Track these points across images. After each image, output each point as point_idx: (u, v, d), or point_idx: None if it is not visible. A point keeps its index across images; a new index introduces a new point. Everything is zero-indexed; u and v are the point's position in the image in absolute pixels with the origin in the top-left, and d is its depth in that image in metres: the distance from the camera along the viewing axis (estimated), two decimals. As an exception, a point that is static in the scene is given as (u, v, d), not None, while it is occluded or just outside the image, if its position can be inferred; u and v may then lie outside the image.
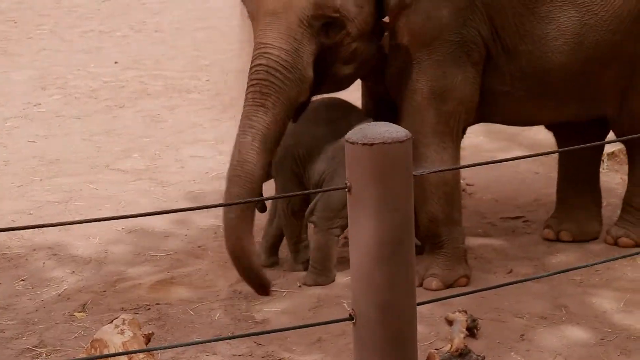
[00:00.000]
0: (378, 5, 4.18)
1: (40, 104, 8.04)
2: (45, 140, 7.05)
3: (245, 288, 4.59)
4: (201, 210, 5.57)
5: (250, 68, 4.13)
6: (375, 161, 2.02)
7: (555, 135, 5.10)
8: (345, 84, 4.43)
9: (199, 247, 5.10)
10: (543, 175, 5.96)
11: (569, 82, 4.47)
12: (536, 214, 5.40)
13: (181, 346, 3.90)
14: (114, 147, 6.85)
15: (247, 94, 4.15)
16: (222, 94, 8.30)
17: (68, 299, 4.51)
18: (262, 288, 4.29)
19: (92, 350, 3.69)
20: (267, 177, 4.42)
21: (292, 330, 4.12)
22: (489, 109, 4.51)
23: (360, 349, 2.14)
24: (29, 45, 10.55)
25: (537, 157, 6.33)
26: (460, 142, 4.49)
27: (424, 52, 4.29)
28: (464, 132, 4.57)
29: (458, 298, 3.29)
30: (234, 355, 3.98)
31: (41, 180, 6.17)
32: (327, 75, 4.25)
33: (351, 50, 4.19)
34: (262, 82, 4.07)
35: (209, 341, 4.08)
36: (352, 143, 2.04)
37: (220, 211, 5.48)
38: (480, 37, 4.33)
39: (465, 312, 3.97)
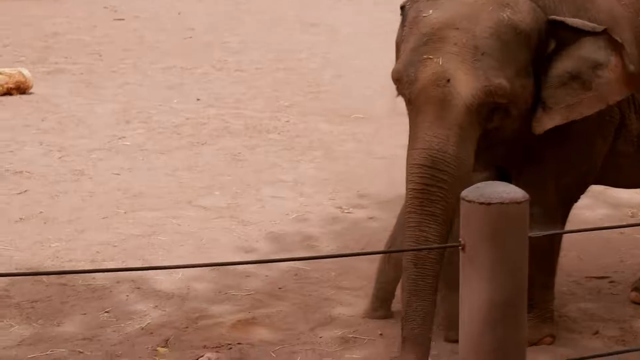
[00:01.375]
0: (536, 80, 3.99)
1: (124, 137, 8.17)
2: (130, 173, 7.16)
3: (327, 333, 4.60)
4: (282, 251, 5.62)
5: (412, 166, 3.84)
6: (492, 221, 2.02)
7: None
8: (494, 163, 4.32)
9: (280, 288, 5.12)
10: (628, 236, 5.86)
11: None
12: (622, 275, 5.32)
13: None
14: (196, 183, 6.93)
15: (411, 198, 3.84)
16: (301, 136, 8.35)
17: (151, 333, 4.56)
18: None
19: (178, 387, 3.73)
20: None
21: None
22: (606, 172, 4.43)
23: (465, 411, 2.12)
24: (112, 79, 10.75)
25: (622, 218, 6.24)
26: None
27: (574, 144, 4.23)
28: None
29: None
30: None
31: (125, 213, 6.26)
32: (481, 159, 4.02)
33: (510, 131, 3.99)
34: (429, 189, 3.78)
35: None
36: (469, 201, 2.04)
37: (301, 254, 5.53)
38: (618, 108, 4.24)
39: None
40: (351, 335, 4.59)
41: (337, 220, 6.19)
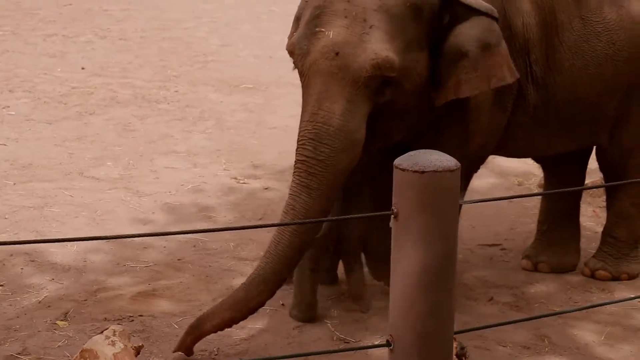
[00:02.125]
0: (432, 56, 3.99)
1: (8, 106, 7.93)
2: (17, 143, 6.95)
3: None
4: (179, 222, 5.57)
5: (299, 138, 3.86)
6: (425, 189, 2.04)
7: (544, 166, 5.19)
8: (394, 137, 4.18)
9: (179, 259, 5.07)
10: (518, 204, 6.03)
11: (584, 113, 4.55)
12: (513, 242, 5.47)
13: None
14: (86, 154, 6.79)
15: (294, 168, 3.89)
16: (191, 106, 8.27)
17: (49, 306, 4.46)
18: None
19: (82, 360, 3.66)
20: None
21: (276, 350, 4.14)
22: (504, 142, 4.52)
23: (396, 375, 2.15)
24: (-9, 46, 10.41)
25: (509, 187, 6.42)
26: None
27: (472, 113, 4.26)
28: None
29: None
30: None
31: (14, 184, 6.08)
32: (379, 132, 4.02)
33: (404, 105, 3.97)
34: (309, 161, 3.81)
35: None
36: (402, 170, 2.05)
37: (199, 225, 5.49)
38: (517, 80, 4.26)
39: (455, 339, 3.99)
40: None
41: (233, 191, 6.17)
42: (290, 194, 3.90)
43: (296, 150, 3.88)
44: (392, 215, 2.08)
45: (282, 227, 3.92)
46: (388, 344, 2.14)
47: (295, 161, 3.89)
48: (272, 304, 4.58)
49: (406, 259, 2.08)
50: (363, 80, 3.77)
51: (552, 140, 4.64)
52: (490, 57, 4.02)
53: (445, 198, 2.06)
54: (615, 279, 4.90)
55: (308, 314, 4.42)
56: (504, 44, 4.05)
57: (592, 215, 5.92)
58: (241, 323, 4.38)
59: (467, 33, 3.98)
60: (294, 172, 3.89)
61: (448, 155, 2.09)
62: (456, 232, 2.10)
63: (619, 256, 4.92)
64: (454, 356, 3.86)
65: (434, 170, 2.03)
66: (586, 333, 4.39)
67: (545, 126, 4.50)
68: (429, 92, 4.04)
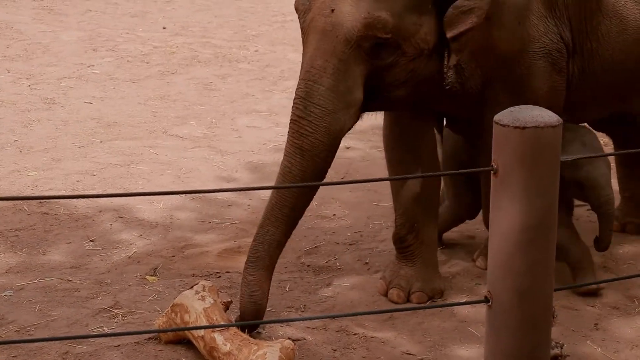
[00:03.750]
0: (440, 20, 3.77)
1: (93, 65, 8.06)
2: (102, 102, 7.07)
3: (314, 261, 4.63)
4: (262, 180, 5.61)
5: (295, 96, 3.77)
6: (526, 145, 2.02)
7: (610, 134, 5.10)
8: (400, 105, 4.02)
9: (263, 217, 5.11)
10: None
11: (619, 79, 4.36)
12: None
13: (273, 322, 3.90)
14: (170, 112, 6.87)
15: (289, 128, 3.79)
16: (271, 66, 8.29)
17: (138, 262, 4.54)
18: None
19: (173, 314, 3.72)
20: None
21: (362, 306, 4.16)
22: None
23: (494, 331, 2.15)
24: (74, 6, 10.54)
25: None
26: None
27: (505, 68, 3.98)
28: None
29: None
30: (307, 327, 3.99)
31: (101, 142, 6.19)
32: (380, 96, 3.85)
33: (408, 70, 3.77)
34: (300, 121, 3.71)
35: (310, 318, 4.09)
36: (503, 125, 2.03)
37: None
38: (563, 42, 4.08)
39: (543, 297, 3.97)
40: (338, 265, 4.62)
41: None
42: (284, 155, 3.80)
43: (292, 106, 3.79)
44: (492, 172, 2.07)
45: (282, 189, 3.82)
46: (486, 300, 2.14)
47: (290, 118, 3.78)
48: (357, 262, 4.63)
49: (505, 216, 2.07)
50: (355, 40, 3.63)
51: (587, 107, 4.43)
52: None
53: (547, 154, 2.03)
54: None
55: None
56: None
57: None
58: (326, 280, 4.43)
59: None
60: (289, 131, 3.78)
61: (549, 111, 2.06)
62: (557, 189, 2.08)
63: None
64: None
65: (535, 126, 2.01)
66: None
67: (581, 93, 4.27)
68: (443, 60, 3.83)
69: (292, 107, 3.77)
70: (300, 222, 5.04)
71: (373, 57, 3.69)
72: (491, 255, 2.12)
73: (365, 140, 6.30)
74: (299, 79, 3.75)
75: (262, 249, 3.84)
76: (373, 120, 4.42)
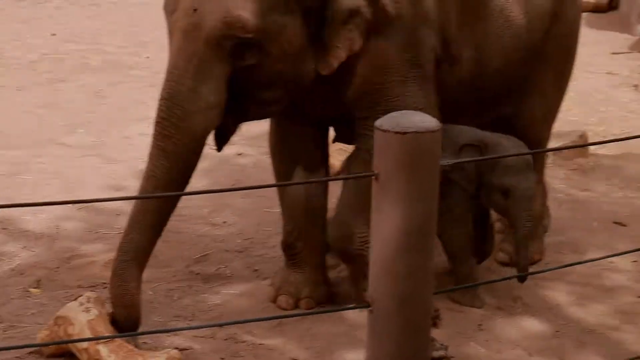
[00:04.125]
0: (308, 21, 3.71)
1: (-23, 72, 7.86)
2: (-14, 110, 6.90)
3: (203, 269, 4.59)
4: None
5: (159, 98, 3.71)
6: (407, 150, 2.03)
7: None
8: (271, 109, 3.94)
9: (152, 226, 5.04)
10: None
11: (497, 85, 4.41)
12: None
13: (159, 332, 3.84)
14: (57, 120, 6.74)
15: (153, 130, 3.73)
16: (163, 72, 8.18)
17: (22, 274, 4.44)
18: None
19: (56, 327, 3.64)
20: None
21: (250, 314, 4.15)
22: None
23: (376, 336, 2.16)
24: (-41, 11, 10.28)
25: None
26: None
27: (384, 74, 3.93)
28: None
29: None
30: (195, 336, 3.96)
31: (-15, 151, 6.04)
32: (248, 99, 3.78)
33: (274, 72, 3.71)
34: (163, 122, 3.65)
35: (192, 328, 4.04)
36: (384, 131, 2.04)
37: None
38: (434, 53, 4.06)
39: (429, 301, 4.01)
40: (227, 272, 4.59)
41: (205, 157, 6.09)
42: (148, 158, 3.75)
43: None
44: (373, 177, 2.08)
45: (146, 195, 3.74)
46: (368, 305, 2.14)
47: (154, 120, 3.74)
48: (246, 269, 4.60)
49: (386, 221, 2.08)
50: (216, 40, 3.57)
51: (466, 114, 4.41)
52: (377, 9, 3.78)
53: (427, 159, 2.05)
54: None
55: None
56: None
57: (564, 177, 5.95)
58: (215, 288, 4.40)
59: None
60: (153, 133, 3.74)
61: (429, 116, 2.08)
62: (436, 193, 2.10)
63: None
64: (428, 319, 3.90)
65: (415, 131, 2.02)
66: (558, 294, 4.43)
67: (458, 102, 4.28)
68: (313, 62, 3.78)
69: (157, 107, 3.70)
70: (189, 230, 5.04)
71: (236, 57, 3.62)
72: (372, 260, 2.13)
73: (257, 146, 6.28)
74: (164, 81, 3.69)
75: (128, 258, 3.74)
76: (265, 126, 4.42)
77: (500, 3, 4.28)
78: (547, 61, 4.57)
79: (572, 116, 7.15)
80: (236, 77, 3.66)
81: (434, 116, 3.72)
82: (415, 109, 3.77)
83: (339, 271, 4.58)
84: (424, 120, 2.05)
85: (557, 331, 4.11)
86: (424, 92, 4.00)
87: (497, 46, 4.29)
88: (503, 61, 4.32)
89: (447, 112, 4.21)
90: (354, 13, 3.75)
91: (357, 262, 4.06)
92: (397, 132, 2.02)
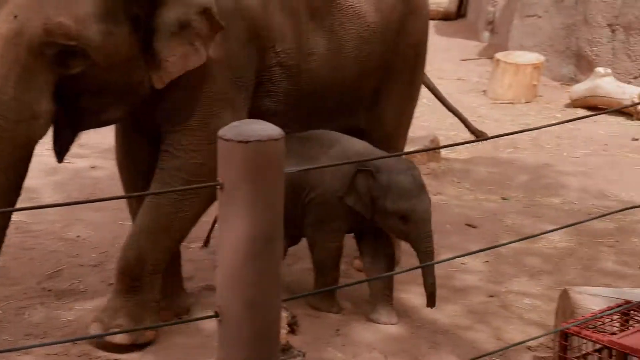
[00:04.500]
0: (137, 30, 3.64)
1: None
2: None
3: (56, 285, 4.48)
4: (1, 204, 5.36)
5: None
6: (250, 159, 2.03)
7: None
8: (107, 117, 3.82)
9: (1, 242, 4.89)
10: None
11: (342, 96, 4.42)
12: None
13: (8, 351, 3.72)
14: None
15: None
16: None
17: None
18: None
19: None
20: None
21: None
22: None
23: (225, 346, 2.13)
24: None
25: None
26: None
27: (201, 89, 3.88)
28: None
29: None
30: (48, 354, 3.86)
31: None
32: (81, 108, 3.69)
33: (100, 81, 3.61)
34: None
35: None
36: (227, 140, 2.03)
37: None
38: (255, 74, 4.03)
39: (286, 308, 4.03)
40: (81, 287, 4.50)
41: (58, 171, 5.99)
42: None
43: None
44: (218, 187, 2.06)
45: None
46: (216, 315, 2.13)
47: None
48: (101, 284, 4.52)
49: (232, 229, 2.07)
50: (38, 47, 3.47)
51: (313, 123, 4.41)
52: (208, 21, 3.72)
53: (270, 167, 2.05)
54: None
55: None
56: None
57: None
58: (69, 304, 4.30)
59: (184, 2, 3.68)
60: None
61: (272, 124, 2.08)
62: (281, 201, 2.10)
63: None
64: (285, 325, 3.92)
65: (258, 140, 2.02)
66: (413, 296, 4.52)
67: (301, 111, 4.28)
68: (145, 73, 3.72)
69: None
70: (41, 246, 4.91)
71: (60, 65, 3.53)
72: (220, 269, 2.12)
73: (110, 159, 6.14)
74: None
75: None
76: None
77: (347, 16, 4.32)
78: (396, 72, 4.63)
79: (424, 122, 7.32)
80: (64, 86, 3.57)
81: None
82: (225, 122, 3.78)
83: (196, 281, 4.55)
84: (266, 129, 2.04)
85: (412, 333, 4.19)
86: (237, 114, 3.93)
87: (344, 57, 4.32)
88: (349, 72, 4.35)
89: (298, 120, 4.26)
90: (184, 25, 3.69)
91: (147, 287, 3.97)
92: (239, 141, 2.01)
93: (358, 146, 4.29)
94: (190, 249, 4.90)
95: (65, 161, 5.20)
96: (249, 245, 2.07)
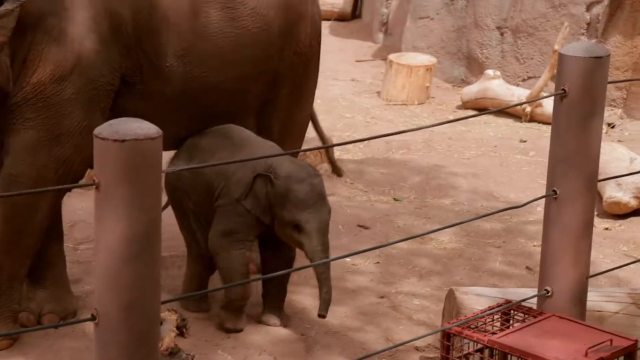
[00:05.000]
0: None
1: None
2: None
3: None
4: None
5: None
6: (127, 158, 2.00)
7: None
8: None
9: None
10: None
11: (222, 101, 4.32)
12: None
13: None
14: None
15: None
16: None
17: None
18: None
19: None
20: None
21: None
22: None
23: (102, 349, 2.11)
24: None
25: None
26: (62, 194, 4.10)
27: (53, 87, 3.81)
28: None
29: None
30: None
31: None
32: None
33: None
34: None
35: None
36: (103, 139, 2.00)
37: None
38: (120, 74, 3.99)
39: (175, 311, 3.99)
40: None
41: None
42: None
43: None
44: (94, 187, 2.03)
45: None
46: (93, 317, 2.09)
47: None
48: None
49: (109, 230, 2.04)
50: None
51: (194, 127, 4.32)
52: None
53: (148, 166, 2.03)
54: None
55: None
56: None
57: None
58: None
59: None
60: None
61: (149, 123, 2.05)
62: (159, 201, 2.08)
63: None
64: (174, 328, 3.88)
65: (134, 139, 2.00)
66: (304, 297, 4.52)
67: (180, 114, 4.21)
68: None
69: None
70: None
71: None
72: (97, 271, 2.09)
73: None
74: None
75: None
76: None
77: (225, 19, 4.21)
78: (282, 79, 4.51)
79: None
80: None
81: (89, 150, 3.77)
82: (70, 136, 3.84)
83: (83, 284, 4.47)
84: (143, 127, 2.02)
85: (302, 334, 4.20)
86: (87, 122, 3.88)
87: (220, 60, 4.21)
88: (226, 76, 4.24)
89: (177, 123, 4.18)
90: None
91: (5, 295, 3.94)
92: (115, 140, 1.99)
93: (266, 149, 4.22)
94: (79, 250, 4.81)
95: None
96: (126, 246, 2.05)
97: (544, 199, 3.15)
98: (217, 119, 4.34)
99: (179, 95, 4.14)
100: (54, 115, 3.83)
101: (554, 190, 3.08)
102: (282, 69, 4.49)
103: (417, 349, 4.09)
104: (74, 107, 3.86)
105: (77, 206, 5.20)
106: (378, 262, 5.02)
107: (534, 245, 5.23)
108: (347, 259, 4.91)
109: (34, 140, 3.82)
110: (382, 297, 4.63)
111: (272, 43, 4.39)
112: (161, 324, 3.91)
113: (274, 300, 4.27)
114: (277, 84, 4.50)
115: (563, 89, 2.99)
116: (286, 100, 4.57)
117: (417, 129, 3.17)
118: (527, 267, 5.02)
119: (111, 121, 2.06)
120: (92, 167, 3.78)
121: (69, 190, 4.38)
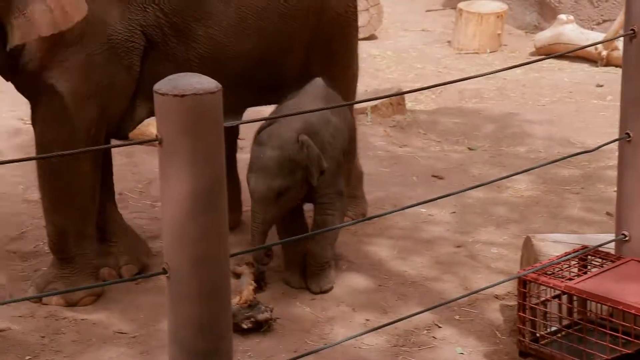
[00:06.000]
0: None
1: None
2: None
3: (21, 247, 4.46)
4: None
5: None
6: (187, 113, 2.01)
7: None
8: None
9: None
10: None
11: (252, 70, 4.19)
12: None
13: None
14: None
15: None
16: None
17: None
18: None
19: None
20: None
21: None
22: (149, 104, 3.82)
23: (175, 302, 2.13)
24: None
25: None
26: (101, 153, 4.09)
27: (68, 50, 3.78)
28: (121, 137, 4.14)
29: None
30: (13, 316, 3.86)
31: None
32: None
33: None
34: None
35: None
36: (162, 94, 2.00)
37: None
38: (141, 32, 3.91)
39: (252, 264, 4.02)
40: (46, 249, 4.47)
41: (20, 133, 5.94)
42: None
43: None
44: (157, 143, 2.04)
45: None
46: (164, 271, 2.12)
47: None
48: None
49: (174, 185, 2.05)
50: None
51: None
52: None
53: (208, 121, 2.03)
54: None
55: None
56: None
57: (383, 135, 6.06)
58: (34, 266, 4.30)
59: None
60: None
61: (208, 77, 2.06)
62: (222, 155, 2.08)
63: None
64: (252, 281, 3.91)
65: (194, 94, 2.00)
66: (380, 249, 4.51)
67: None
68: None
69: None
70: (4, 209, 4.87)
71: None
72: (164, 225, 2.10)
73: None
74: None
75: None
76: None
77: None
78: (320, 51, 4.37)
79: (389, 74, 7.30)
80: None
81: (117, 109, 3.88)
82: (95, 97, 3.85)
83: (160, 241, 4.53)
84: (202, 82, 2.02)
85: (379, 285, 4.19)
86: (109, 82, 3.88)
87: (246, 28, 4.08)
88: (253, 44, 4.12)
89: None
90: None
91: (78, 254, 4.02)
92: (175, 95, 1.99)
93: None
94: (156, 207, 4.88)
95: (27, 123, 5.18)
96: (191, 200, 2.05)
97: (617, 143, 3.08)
98: (248, 88, 4.21)
99: (205, 61, 4.03)
100: (73, 79, 3.81)
101: (627, 133, 3.01)
102: (318, 38, 4.34)
103: (496, 297, 4.06)
104: (92, 68, 3.83)
105: (154, 163, 5.25)
106: (454, 212, 4.98)
107: (614, 191, 5.11)
108: (423, 209, 4.88)
109: (57, 106, 3.82)
110: (459, 246, 4.60)
111: (305, 15, 4.25)
112: (240, 277, 3.96)
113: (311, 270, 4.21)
114: (314, 55, 4.36)
115: (632, 30, 2.91)
116: (327, 69, 4.38)
117: (489, 73, 3.10)
118: (607, 213, 4.91)
119: (170, 76, 2.06)
120: (125, 123, 4.03)
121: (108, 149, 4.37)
